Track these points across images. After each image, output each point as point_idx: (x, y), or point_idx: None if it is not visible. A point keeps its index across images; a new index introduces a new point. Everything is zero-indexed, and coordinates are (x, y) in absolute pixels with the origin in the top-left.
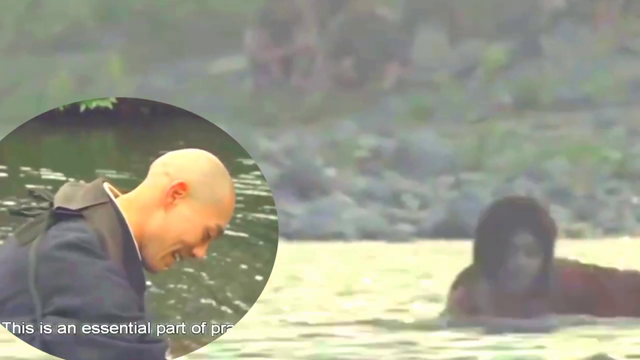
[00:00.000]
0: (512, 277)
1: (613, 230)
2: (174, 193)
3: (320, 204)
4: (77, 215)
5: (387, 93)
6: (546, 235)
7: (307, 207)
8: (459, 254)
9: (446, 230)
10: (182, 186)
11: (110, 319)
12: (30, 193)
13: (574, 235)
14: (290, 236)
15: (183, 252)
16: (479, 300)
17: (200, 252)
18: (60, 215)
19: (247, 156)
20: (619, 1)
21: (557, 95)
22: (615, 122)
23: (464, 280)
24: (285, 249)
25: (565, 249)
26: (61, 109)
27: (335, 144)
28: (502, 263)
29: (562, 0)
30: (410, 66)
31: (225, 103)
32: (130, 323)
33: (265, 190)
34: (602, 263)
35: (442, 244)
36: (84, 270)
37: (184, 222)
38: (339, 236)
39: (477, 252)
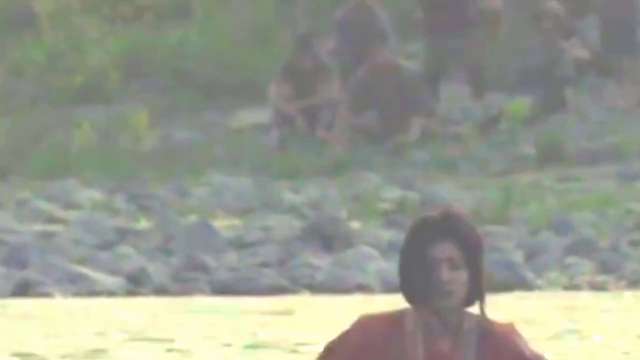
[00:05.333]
0: (437, 294)
1: (637, 282)
2: None
3: (344, 257)
4: None
5: (411, 145)
6: (468, 247)
7: (331, 260)
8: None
9: None
10: None
11: None
12: None
13: (598, 287)
14: (315, 289)
15: None
16: None
17: None
18: None
19: None
20: None
21: (581, 148)
22: (639, 175)
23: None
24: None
25: (590, 302)
26: None
27: (359, 196)
28: (425, 280)
29: (586, 53)
30: (434, 119)
31: (249, 155)
32: None
33: None
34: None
35: None
36: None
37: None
38: (363, 288)
39: (401, 274)
